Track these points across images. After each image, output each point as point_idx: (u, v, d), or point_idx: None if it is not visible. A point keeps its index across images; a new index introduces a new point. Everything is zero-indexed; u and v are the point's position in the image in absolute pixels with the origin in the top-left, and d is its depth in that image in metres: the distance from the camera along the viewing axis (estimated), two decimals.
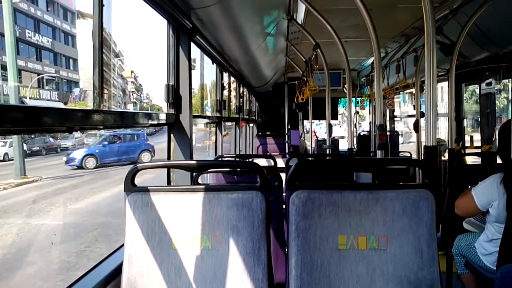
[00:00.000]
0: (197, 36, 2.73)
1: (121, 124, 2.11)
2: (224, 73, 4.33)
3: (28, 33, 26.21)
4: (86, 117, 1.59)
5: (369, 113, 7.80)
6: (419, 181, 4.27)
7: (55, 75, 29.21)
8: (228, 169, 2.53)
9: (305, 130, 8.79)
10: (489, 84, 4.81)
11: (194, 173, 2.40)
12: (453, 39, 3.54)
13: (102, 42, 1.68)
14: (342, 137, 14.35)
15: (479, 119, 5.16)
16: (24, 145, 17.49)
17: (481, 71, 4.73)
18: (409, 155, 6.20)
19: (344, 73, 7.13)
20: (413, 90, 5.11)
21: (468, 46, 3.77)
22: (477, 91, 5.22)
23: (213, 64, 3.60)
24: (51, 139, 19.95)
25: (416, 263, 1.47)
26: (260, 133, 7.54)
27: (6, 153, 15.03)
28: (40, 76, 26.73)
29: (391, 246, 1.48)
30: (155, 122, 2.41)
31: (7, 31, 12.38)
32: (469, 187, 2.52)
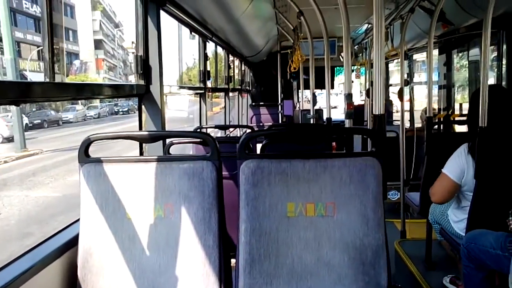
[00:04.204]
0: (168, 5, 2.67)
1: (89, 97, 2.11)
2: (208, 42, 4.25)
3: (25, 3, 25.79)
4: (43, 89, 1.58)
5: (365, 81, 7.68)
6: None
7: (55, 47, 28.85)
8: (199, 140, 2.54)
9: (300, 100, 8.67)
10: (476, 51, 4.70)
11: (166, 144, 2.43)
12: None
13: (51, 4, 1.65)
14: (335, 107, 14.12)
15: (468, 87, 5.09)
16: (26, 118, 17.54)
17: (470, 38, 4.61)
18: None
19: (340, 41, 6.99)
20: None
21: (454, 12, 3.67)
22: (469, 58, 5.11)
23: (191, 33, 3.53)
24: (52, 112, 19.97)
25: (362, 229, 1.50)
26: (253, 104, 7.47)
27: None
28: (40, 48, 26.40)
29: (338, 213, 1.51)
30: (124, 93, 2.40)
31: (1, 2, 12.17)
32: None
